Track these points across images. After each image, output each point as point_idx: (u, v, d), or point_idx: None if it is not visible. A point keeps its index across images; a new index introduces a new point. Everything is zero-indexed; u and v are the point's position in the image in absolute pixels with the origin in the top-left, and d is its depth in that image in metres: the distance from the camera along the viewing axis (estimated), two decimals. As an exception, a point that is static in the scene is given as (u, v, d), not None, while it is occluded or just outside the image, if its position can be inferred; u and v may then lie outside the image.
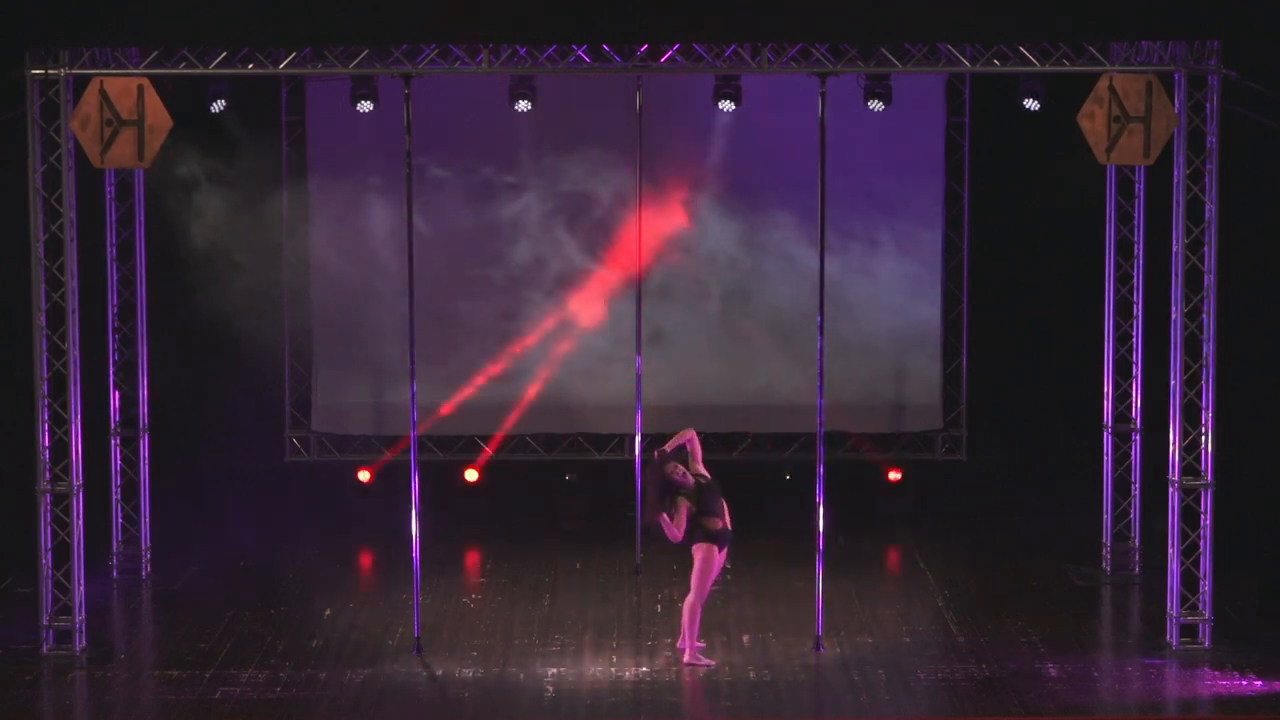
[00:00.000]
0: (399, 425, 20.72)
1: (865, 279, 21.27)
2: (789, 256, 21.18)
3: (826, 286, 16.92)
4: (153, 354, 19.18)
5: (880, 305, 21.40)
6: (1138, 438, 18.93)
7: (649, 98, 19.61)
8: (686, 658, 16.48)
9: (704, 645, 16.75)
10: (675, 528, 16.16)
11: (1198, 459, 16.83)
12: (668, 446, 16.35)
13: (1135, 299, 18.76)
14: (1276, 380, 18.58)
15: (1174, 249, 16.72)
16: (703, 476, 16.34)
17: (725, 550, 16.43)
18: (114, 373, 18.85)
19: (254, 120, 20.86)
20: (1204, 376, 16.75)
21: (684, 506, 16.16)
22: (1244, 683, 16.08)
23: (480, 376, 21.51)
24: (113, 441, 19.03)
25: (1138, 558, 19.13)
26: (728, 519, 16.37)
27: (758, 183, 21.22)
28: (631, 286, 19.90)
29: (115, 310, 18.85)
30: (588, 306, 21.34)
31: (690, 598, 16.42)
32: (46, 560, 16.73)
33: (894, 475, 21.77)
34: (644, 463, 16.37)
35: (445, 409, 21.40)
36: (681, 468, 16.23)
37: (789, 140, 20.53)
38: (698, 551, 16.33)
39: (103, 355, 18.69)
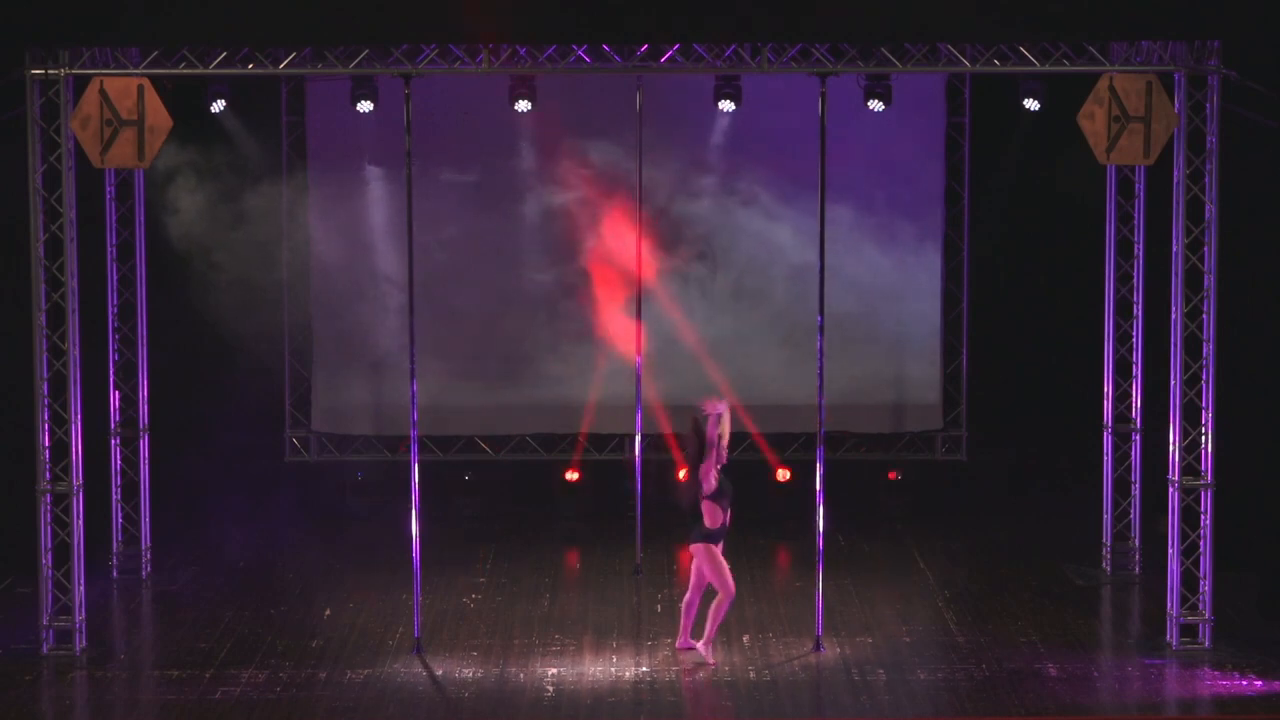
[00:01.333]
0: (399, 425, 20.73)
1: (866, 279, 21.27)
2: (788, 255, 21.19)
3: (827, 286, 16.91)
4: (153, 354, 19.18)
5: (880, 305, 21.40)
6: (1138, 438, 18.93)
7: (653, 98, 19.62)
8: (692, 645, 16.48)
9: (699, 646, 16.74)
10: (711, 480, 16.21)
11: (1198, 459, 16.83)
12: (718, 420, 16.33)
13: (1135, 299, 18.76)
14: (1276, 380, 18.58)
15: (1174, 249, 16.72)
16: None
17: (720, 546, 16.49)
18: (114, 373, 18.85)
19: (254, 120, 20.87)
20: (1204, 376, 16.75)
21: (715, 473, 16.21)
22: (1244, 683, 16.08)
23: (481, 376, 21.50)
24: (113, 441, 19.02)
25: (1138, 558, 19.13)
26: (729, 518, 16.43)
27: (758, 183, 21.22)
28: (632, 286, 19.88)
29: (115, 310, 18.85)
30: (588, 306, 21.34)
31: (720, 596, 16.46)
32: (46, 560, 16.73)
33: (894, 475, 21.77)
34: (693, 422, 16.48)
35: (445, 409, 21.38)
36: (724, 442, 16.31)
37: (789, 140, 20.57)
38: (698, 552, 16.34)
39: (103, 355, 18.69)
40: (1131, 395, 18.94)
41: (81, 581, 16.84)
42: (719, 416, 16.32)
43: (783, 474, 21.52)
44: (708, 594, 16.78)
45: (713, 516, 16.30)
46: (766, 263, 21.36)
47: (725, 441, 16.39)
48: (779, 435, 21.65)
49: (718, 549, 16.40)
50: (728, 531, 16.44)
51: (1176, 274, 16.72)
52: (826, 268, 16.84)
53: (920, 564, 19.84)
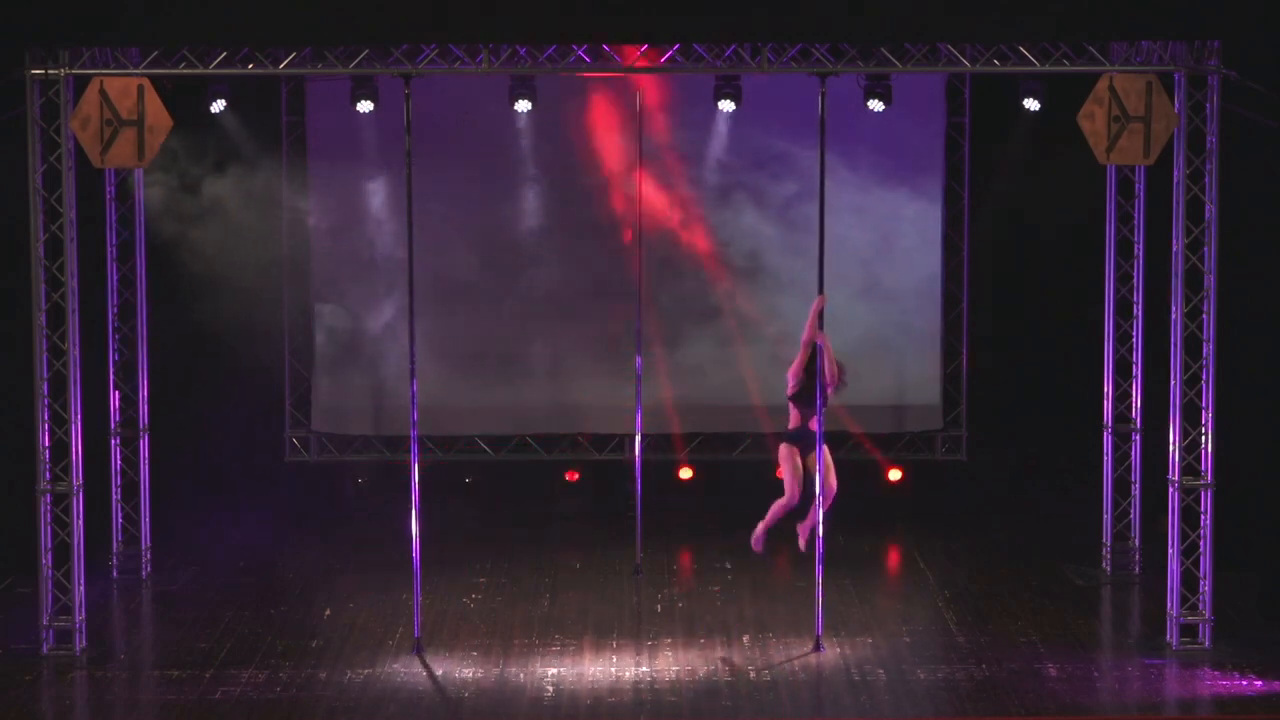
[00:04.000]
0: (399, 425, 20.72)
1: (865, 279, 21.26)
2: (788, 255, 21.16)
3: (826, 286, 16.91)
4: (153, 354, 19.17)
5: (880, 305, 21.38)
6: (1138, 438, 18.92)
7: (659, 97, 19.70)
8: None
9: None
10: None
11: (1198, 459, 16.82)
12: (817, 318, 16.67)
13: (1135, 299, 18.75)
14: (1276, 380, 18.58)
15: (1174, 249, 16.71)
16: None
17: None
18: (114, 373, 18.84)
19: (254, 120, 20.86)
20: (1204, 376, 16.74)
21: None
22: (1244, 683, 16.07)
23: (481, 376, 21.48)
24: (113, 441, 19.01)
25: (1138, 558, 19.12)
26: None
27: (756, 182, 21.22)
28: (631, 285, 19.88)
29: (115, 310, 18.84)
30: (589, 305, 21.31)
31: (784, 497, 16.93)
32: (46, 560, 16.73)
33: (894, 475, 21.77)
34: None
35: (445, 409, 21.36)
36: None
37: (789, 139, 20.57)
38: (780, 449, 16.92)
39: (103, 355, 18.69)
40: (1131, 395, 18.93)
41: (81, 581, 16.84)
42: (818, 314, 16.60)
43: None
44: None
45: (792, 418, 16.74)
46: (766, 261, 21.33)
47: (825, 356, 16.55)
48: (779, 435, 21.61)
49: (792, 450, 16.75)
50: (806, 437, 16.69)
51: (1176, 274, 16.71)
52: (826, 268, 16.86)
53: (920, 564, 19.84)
